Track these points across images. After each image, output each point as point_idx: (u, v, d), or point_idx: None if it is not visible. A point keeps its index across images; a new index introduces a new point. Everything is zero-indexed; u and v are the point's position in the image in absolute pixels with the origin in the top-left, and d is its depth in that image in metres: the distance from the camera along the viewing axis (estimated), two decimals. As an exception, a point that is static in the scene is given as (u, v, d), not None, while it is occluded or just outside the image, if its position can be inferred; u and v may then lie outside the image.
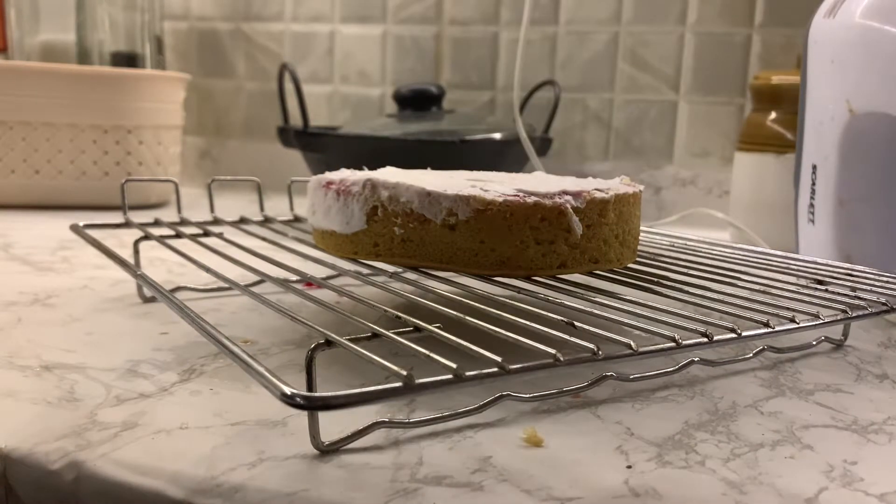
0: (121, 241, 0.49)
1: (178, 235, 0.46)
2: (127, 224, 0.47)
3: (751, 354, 0.37)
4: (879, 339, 0.43)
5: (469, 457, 0.26)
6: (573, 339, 0.27)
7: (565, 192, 0.36)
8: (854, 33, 0.47)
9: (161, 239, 0.44)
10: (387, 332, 0.27)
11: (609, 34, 0.95)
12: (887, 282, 0.41)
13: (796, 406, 0.32)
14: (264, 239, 0.45)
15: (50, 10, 1.12)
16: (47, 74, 0.80)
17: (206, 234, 0.47)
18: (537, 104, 0.95)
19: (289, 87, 0.92)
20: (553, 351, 0.26)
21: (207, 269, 0.37)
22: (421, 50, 1.03)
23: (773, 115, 0.72)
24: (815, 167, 0.51)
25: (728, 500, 0.24)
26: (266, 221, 0.53)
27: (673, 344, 0.29)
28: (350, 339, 0.26)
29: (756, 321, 0.33)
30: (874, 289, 0.39)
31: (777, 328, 0.33)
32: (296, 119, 0.93)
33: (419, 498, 0.23)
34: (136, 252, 0.46)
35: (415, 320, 0.28)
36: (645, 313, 0.32)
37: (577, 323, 0.30)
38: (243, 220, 0.53)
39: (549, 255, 0.36)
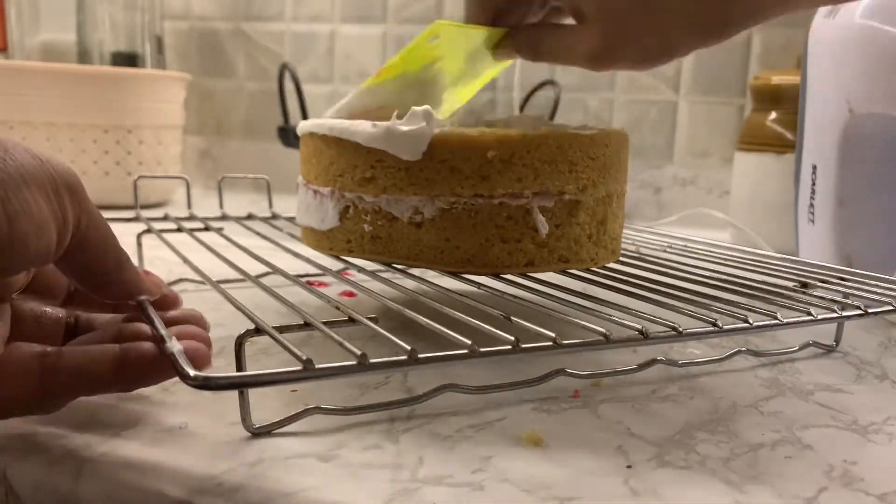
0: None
1: (180, 230, 0.48)
2: (136, 219, 0.49)
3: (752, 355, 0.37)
4: (879, 340, 0.43)
5: (469, 457, 0.26)
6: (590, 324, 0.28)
7: (533, 192, 0.36)
8: (854, 33, 0.47)
9: (162, 237, 0.45)
10: (316, 322, 0.28)
11: (609, 34, 0.94)
12: (879, 284, 0.41)
13: (796, 406, 0.32)
14: (265, 238, 0.46)
15: (50, 10, 1.12)
16: (47, 74, 0.80)
17: (207, 228, 0.50)
18: (537, 104, 0.95)
19: (289, 86, 0.92)
20: (603, 329, 0.28)
21: (198, 270, 0.38)
22: (421, 50, 1.02)
23: (773, 115, 0.72)
24: (815, 167, 0.51)
25: (728, 500, 0.24)
26: (273, 218, 0.55)
27: (716, 328, 0.32)
28: (276, 328, 0.27)
29: (765, 313, 0.34)
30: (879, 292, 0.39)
31: (786, 321, 0.34)
32: (296, 119, 0.93)
33: (419, 498, 0.23)
34: (140, 245, 0.48)
35: (350, 310, 0.29)
36: (677, 303, 0.35)
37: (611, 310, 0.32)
38: (250, 217, 0.55)
39: (515, 254, 0.36)
